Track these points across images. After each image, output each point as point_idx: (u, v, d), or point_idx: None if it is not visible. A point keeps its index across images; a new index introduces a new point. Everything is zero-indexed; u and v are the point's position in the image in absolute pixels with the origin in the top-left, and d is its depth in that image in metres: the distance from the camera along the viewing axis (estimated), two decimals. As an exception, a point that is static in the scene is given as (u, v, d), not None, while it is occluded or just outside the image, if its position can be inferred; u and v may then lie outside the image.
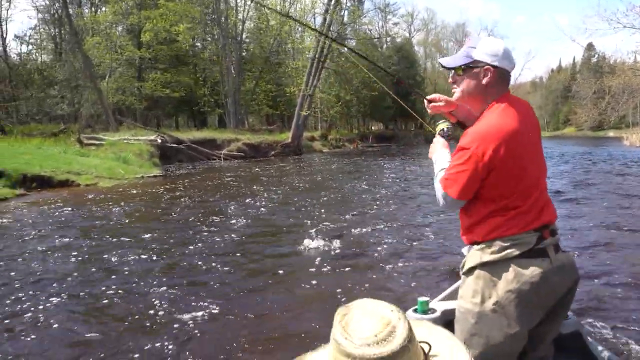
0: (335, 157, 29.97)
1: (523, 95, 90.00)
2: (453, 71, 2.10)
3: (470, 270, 2.02)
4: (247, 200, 11.90)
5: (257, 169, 21.65)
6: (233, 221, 9.15)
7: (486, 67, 2.01)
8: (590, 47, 72.97)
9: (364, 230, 8.08)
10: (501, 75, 2.02)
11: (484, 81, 2.02)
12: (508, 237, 1.95)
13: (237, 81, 38.13)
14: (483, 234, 2.01)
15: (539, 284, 1.92)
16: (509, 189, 1.97)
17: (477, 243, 2.03)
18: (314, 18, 44.44)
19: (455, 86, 2.13)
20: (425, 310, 2.45)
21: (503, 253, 1.95)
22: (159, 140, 25.27)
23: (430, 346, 1.22)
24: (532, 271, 1.93)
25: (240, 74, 39.28)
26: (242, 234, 8.09)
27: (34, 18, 69.72)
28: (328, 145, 39.77)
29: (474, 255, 2.02)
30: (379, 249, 6.86)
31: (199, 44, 44.32)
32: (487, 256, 1.97)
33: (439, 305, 2.52)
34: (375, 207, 10.67)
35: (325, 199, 11.98)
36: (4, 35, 42.08)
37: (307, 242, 7.13)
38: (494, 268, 1.96)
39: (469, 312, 1.99)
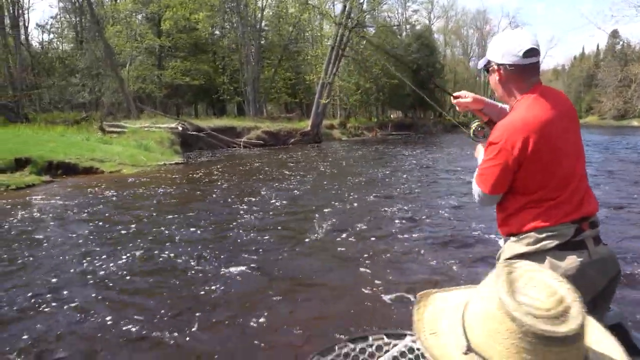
0: (356, 145, 29.86)
1: (544, 83, 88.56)
2: None
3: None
4: (274, 185, 12.05)
5: (278, 157, 21.67)
6: (261, 205, 9.22)
7: (493, 66, 2.06)
8: (615, 34, 71.31)
9: (394, 215, 8.09)
10: (512, 70, 2.00)
11: (497, 79, 2.06)
12: (544, 229, 1.94)
13: (256, 69, 38.11)
14: (518, 226, 2.00)
15: (575, 277, 1.87)
16: (543, 181, 1.96)
17: (513, 235, 2.02)
18: (334, 5, 44.19)
19: None
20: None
21: (539, 245, 1.94)
22: (180, 128, 25.41)
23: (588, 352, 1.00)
24: (568, 264, 1.91)
25: (259, 62, 39.25)
26: (273, 214, 8.17)
27: (55, 7, 70.57)
28: (347, 133, 39.61)
29: (509, 246, 2.01)
30: (412, 235, 6.87)
31: (217, 32, 44.32)
32: (523, 248, 1.96)
33: None
34: (402, 192, 10.69)
35: (350, 184, 12.00)
36: (26, 24, 42.54)
37: (335, 225, 7.16)
38: (529, 259, 1.92)
39: None
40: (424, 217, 8.19)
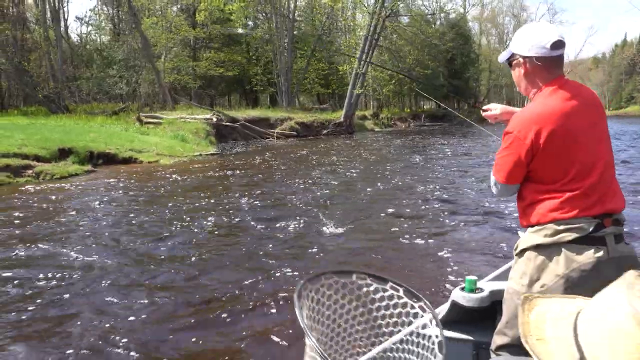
0: (390, 136, 29.72)
1: (584, 72, 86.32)
2: None
3: (522, 252, 2.02)
4: (314, 173, 12.11)
5: (314, 147, 21.73)
6: (305, 193, 9.32)
7: (518, 58, 2.05)
8: (660, 20, 68.49)
9: (434, 202, 8.07)
10: (539, 63, 2.00)
11: (522, 72, 2.06)
12: (562, 221, 1.92)
13: (289, 60, 38.17)
14: (537, 217, 1.99)
15: (590, 273, 1.87)
16: (559, 172, 1.95)
17: (532, 226, 2.01)
18: (367, -6, 43.78)
19: None
20: (473, 289, 2.44)
21: (556, 237, 1.92)
22: (215, 119, 25.72)
23: None
24: (584, 259, 1.88)
25: (292, 53, 39.29)
26: (319, 199, 8.23)
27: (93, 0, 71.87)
28: (379, 124, 39.43)
29: (527, 237, 2.01)
30: (443, 224, 6.85)
31: (250, 23, 44.53)
32: (540, 239, 1.95)
33: (487, 285, 2.50)
34: (439, 180, 10.62)
35: (399, 176, 11.97)
36: (66, 17, 43.61)
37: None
38: (545, 251, 1.95)
39: (516, 293, 1.98)
40: (458, 210, 8.14)
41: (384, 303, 1.81)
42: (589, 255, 1.88)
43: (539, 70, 2.02)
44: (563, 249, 1.91)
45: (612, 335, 0.87)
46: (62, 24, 41.57)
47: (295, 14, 41.48)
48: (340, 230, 6.85)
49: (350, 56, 36.69)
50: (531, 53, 2.00)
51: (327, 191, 10.11)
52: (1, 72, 31.90)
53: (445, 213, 7.87)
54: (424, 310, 1.77)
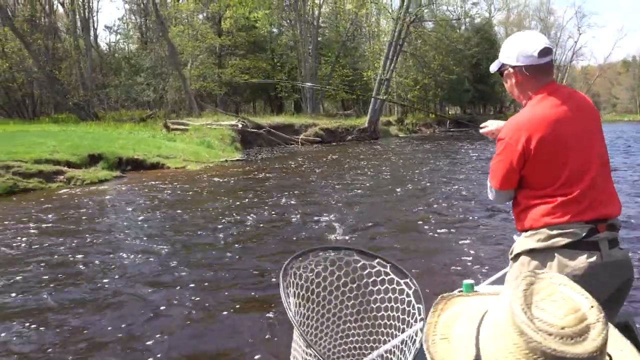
0: (415, 141, 29.55)
1: (613, 75, 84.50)
2: None
3: (517, 257, 2.04)
4: (341, 177, 12.10)
5: (338, 152, 21.74)
6: (334, 195, 9.33)
7: (508, 69, 2.09)
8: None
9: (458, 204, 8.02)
10: (528, 71, 2.03)
11: (513, 81, 2.09)
12: (555, 226, 1.93)
13: (314, 66, 38.32)
14: (531, 222, 2.02)
15: (583, 278, 1.85)
16: (550, 177, 1.97)
17: (526, 230, 2.04)
18: (391, 1, 43.78)
19: None
20: (470, 293, 2.48)
21: (549, 242, 1.94)
22: (240, 125, 25.92)
23: (610, 358, 0.95)
24: (577, 264, 1.90)
25: (317, 59, 39.43)
26: (347, 205, 8.23)
27: (122, 8, 73.44)
28: (404, 130, 39.24)
29: (521, 241, 2.03)
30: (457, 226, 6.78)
31: (275, 30, 44.86)
32: (533, 243, 1.98)
33: (484, 288, 2.53)
34: (463, 182, 10.54)
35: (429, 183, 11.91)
36: (95, 26, 44.65)
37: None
38: (539, 256, 1.97)
39: None
40: (472, 215, 8.04)
41: (371, 279, 1.84)
42: (582, 260, 1.90)
43: (529, 79, 2.05)
44: (556, 254, 1.93)
45: (497, 334, 0.91)
46: (92, 33, 42.53)
47: (320, 21, 41.67)
48: (366, 228, 6.85)
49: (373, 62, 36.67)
50: (519, 63, 2.04)
51: (356, 193, 10.11)
52: (34, 81, 32.71)
53: (468, 214, 7.87)
54: (409, 287, 1.82)
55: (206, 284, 5.00)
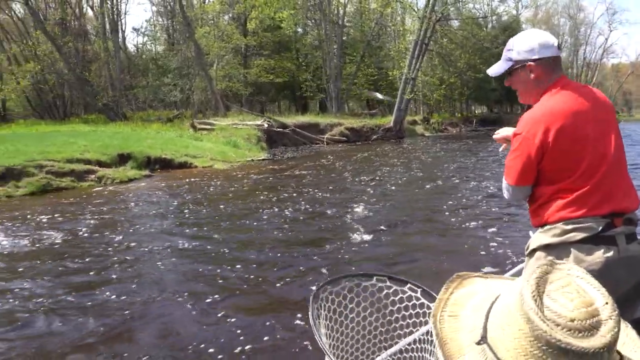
0: (441, 141, 29.28)
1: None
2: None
3: (532, 252, 2.03)
4: (375, 175, 12.09)
5: (364, 152, 21.64)
6: (362, 196, 9.28)
7: (528, 64, 2.05)
8: None
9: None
10: (546, 64, 2.03)
11: (532, 77, 2.06)
12: (570, 220, 1.91)
13: (339, 65, 38.28)
14: (546, 217, 2.00)
15: (599, 273, 1.81)
16: (566, 171, 1.95)
17: (542, 226, 2.02)
18: (417, -1, 43.48)
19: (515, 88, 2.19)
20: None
21: (564, 237, 1.92)
22: (266, 125, 26.05)
23: (621, 356, 0.94)
24: (593, 259, 1.87)
25: (342, 59, 39.39)
26: (375, 202, 8.20)
27: (149, 11, 74.54)
28: (430, 129, 38.89)
29: (537, 237, 2.01)
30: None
31: (300, 30, 44.97)
32: (549, 239, 1.96)
33: None
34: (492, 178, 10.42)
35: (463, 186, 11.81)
36: (123, 29, 45.39)
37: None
38: (554, 251, 1.94)
39: None
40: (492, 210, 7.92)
41: (403, 304, 1.87)
42: (598, 255, 1.87)
43: (549, 72, 2.05)
44: (572, 249, 1.91)
45: (505, 318, 0.92)
46: (120, 35, 43.26)
47: (345, 20, 41.62)
48: (397, 224, 6.81)
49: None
50: (541, 55, 2.03)
51: (387, 189, 10.06)
52: (64, 82, 33.41)
53: (494, 210, 7.85)
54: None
55: (237, 279, 5.02)
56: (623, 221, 1.92)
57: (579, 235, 1.89)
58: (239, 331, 3.84)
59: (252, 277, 5.12)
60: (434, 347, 1.07)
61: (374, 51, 43.30)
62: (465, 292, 1.12)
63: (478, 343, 0.95)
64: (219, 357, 3.46)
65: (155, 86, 39.75)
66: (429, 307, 1.83)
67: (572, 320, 0.86)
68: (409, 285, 1.88)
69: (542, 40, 2.03)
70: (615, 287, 1.86)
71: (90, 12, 41.34)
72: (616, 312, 0.91)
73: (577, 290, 0.91)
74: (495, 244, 6.06)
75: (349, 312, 1.84)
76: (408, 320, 1.89)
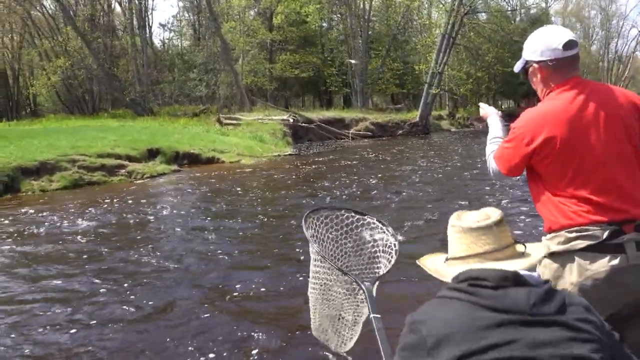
0: (468, 136, 28.92)
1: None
2: None
3: (540, 259, 1.99)
4: (397, 170, 11.96)
5: (390, 147, 21.45)
6: (394, 190, 9.22)
7: (532, 65, 2.05)
8: None
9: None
10: (550, 66, 1.98)
11: (539, 77, 2.05)
12: (574, 228, 1.87)
13: (364, 60, 38.07)
14: (550, 224, 1.98)
15: (605, 282, 1.82)
16: (564, 176, 1.92)
17: (547, 233, 2.00)
18: (444, -8, 42.86)
19: None
20: None
21: (568, 245, 1.89)
22: (291, 120, 26.05)
23: (525, 246, 1.53)
24: (597, 267, 1.83)
25: (367, 53, 39.16)
26: (408, 197, 8.12)
27: (176, 6, 75.20)
28: (455, 124, 38.47)
29: (544, 244, 1.98)
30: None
31: (325, 24, 44.84)
32: (554, 246, 1.93)
33: None
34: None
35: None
36: (150, 24, 45.81)
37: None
38: (559, 259, 1.92)
39: None
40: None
41: (364, 229, 2.80)
42: (603, 264, 1.82)
43: (553, 73, 2.00)
44: (576, 257, 1.88)
45: (449, 237, 1.57)
46: (147, 30, 43.70)
47: (370, 14, 41.33)
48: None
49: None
50: (544, 57, 1.99)
51: (422, 180, 9.95)
52: (93, 78, 33.95)
53: (519, 206, 7.65)
54: (391, 235, 2.71)
55: (270, 273, 5.00)
56: (635, 227, 1.85)
57: (583, 244, 1.85)
58: (272, 332, 3.81)
59: (286, 274, 5.10)
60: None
61: (400, 45, 42.92)
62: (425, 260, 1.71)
63: (445, 260, 1.58)
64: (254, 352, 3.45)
65: (181, 81, 40.12)
66: (383, 231, 2.73)
67: (477, 220, 1.50)
68: (367, 216, 2.79)
69: (547, 42, 1.98)
70: (624, 295, 1.89)
71: (118, 8, 41.93)
72: (501, 214, 1.52)
73: (480, 212, 1.54)
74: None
75: (326, 232, 2.73)
76: (369, 236, 2.84)
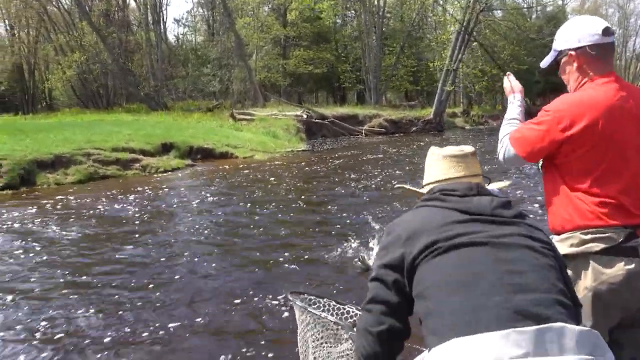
0: (482, 133, 28.65)
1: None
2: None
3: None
4: (422, 166, 11.88)
5: (404, 143, 21.31)
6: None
7: (569, 54, 1.95)
8: None
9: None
10: (590, 52, 1.90)
11: (575, 66, 1.95)
12: (590, 230, 1.79)
13: (378, 57, 37.88)
14: (563, 223, 1.88)
15: (622, 286, 1.75)
16: (586, 171, 1.82)
17: (558, 233, 1.90)
18: (459, -11, 42.49)
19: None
20: None
21: (583, 247, 1.80)
22: (305, 116, 25.98)
23: (490, 180, 1.83)
24: (614, 271, 1.76)
25: (381, 50, 38.96)
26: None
27: (190, 2, 75.48)
28: (470, 121, 38.16)
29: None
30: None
31: (339, 20, 44.69)
32: (566, 248, 1.83)
33: None
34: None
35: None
36: (164, 20, 45.96)
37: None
38: (572, 262, 1.83)
39: None
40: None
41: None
42: (619, 268, 1.76)
43: (592, 61, 1.90)
44: (591, 261, 1.79)
45: (428, 163, 1.82)
46: (162, 26, 43.82)
47: (385, 10, 41.11)
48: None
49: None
50: (582, 43, 1.90)
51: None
52: (108, 72, 34.12)
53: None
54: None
55: (283, 272, 4.95)
56: None
57: (598, 246, 1.78)
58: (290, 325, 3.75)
59: (299, 269, 5.04)
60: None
61: (414, 42, 42.66)
62: None
63: (422, 186, 1.81)
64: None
65: (195, 76, 40.21)
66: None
67: (454, 151, 1.74)
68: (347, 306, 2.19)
69: (585, 28, 1.90)
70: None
71: (133, 4, 42.00)
72: (474, 149, 1.77)
73: (457, 146, 1.77)
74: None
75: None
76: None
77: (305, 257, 5.42)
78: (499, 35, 35.46)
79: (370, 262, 3.90)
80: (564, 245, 1.85)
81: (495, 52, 35.97)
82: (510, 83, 2.35)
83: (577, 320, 1.35)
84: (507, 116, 2.21)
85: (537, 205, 7.71)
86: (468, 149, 1.73)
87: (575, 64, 1.94)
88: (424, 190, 1.73)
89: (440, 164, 1.71)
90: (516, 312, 1.23)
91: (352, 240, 5.69)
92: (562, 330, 1.18)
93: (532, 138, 1.93)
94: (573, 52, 1.93)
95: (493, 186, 1.80)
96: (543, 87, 46.39)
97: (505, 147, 2.04)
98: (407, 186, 1.95)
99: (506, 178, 10.02)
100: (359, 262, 3.91)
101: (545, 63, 2.09)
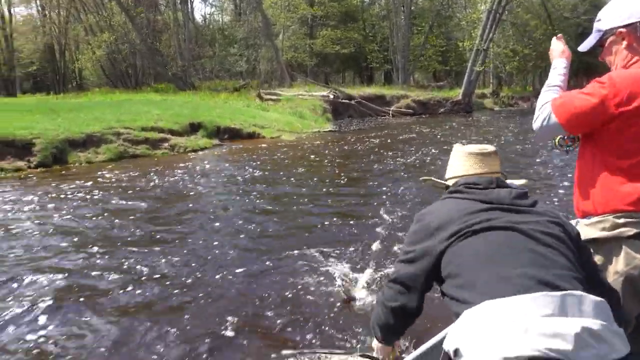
0: (513, 115, 28.08)
1: None
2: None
3: None
4: (442, 147, 11.72)
5: (432, 125, 21.01)
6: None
7: (618, 31, 1.83)
8: None
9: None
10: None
11: (624, 45, 1.83)
12: (624, 213, 1.70)
13: (406, 36, 37.29)
14: (595, 206, 1.80)
15: None
16: (631, 151, 1.71)
17: (587, 216, 1.83)
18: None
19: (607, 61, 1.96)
20: None
21: (615, 231, 1.72)
22: (331, 96, 25.82)
23: (506, 177, 1.91)
24: None
25: (409, 29, 38.32)
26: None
27: (216, -19, 75.21)
28: (499, 103, 37.44)
29: (583, 229, 1.81)
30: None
31: (367, 0, 44.06)
32: (597, 232, 1.77)
33: None
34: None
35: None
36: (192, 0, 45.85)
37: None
38: (603, 247, 1.77)
39: None
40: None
41: None
42: None
43: None
44: (623, 245, 1.72)
45: (453, 158, 2.01)
46: (189, 6, 43.83)
47: (414, -11, 40.35)
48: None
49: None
50: (633, 19, 1.78)
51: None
52: (137, 52, 34.39)
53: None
54: None
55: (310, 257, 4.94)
56: None
57: (632, 231, 1.70)
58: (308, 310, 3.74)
59: (327, 252, 5.02)
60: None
61: (444, 21, 41.87)
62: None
63: (445, 180, 1.99)
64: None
65: (222, 56, 40.24)
66: None
67: (477, 149, 1.90)
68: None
69: (634, 2, 1.79)
70: None
71: (160, -17, 42.10)
72: (496, 149, 1.93)
73: (479, 145, 1.95)
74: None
75: None
76: None
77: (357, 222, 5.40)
78: (531, 14, 34.49)
79: (353, 293, 3.89)
80: (594, 229, 1.79)
81: (526, 32, 35.04)
82: (560, 46, 2.18)
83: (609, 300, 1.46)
84: (549, 82, 2.04)
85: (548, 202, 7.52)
86: (490, 148, 1.90)
87: (625, 42, 1.83)
88: (449, 182, 1.92)
89: (464, 160, 1.89)
90: (539, 283, 1.38)
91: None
92: (582, 298, 1.33)
93: (581, 108, 1.78)
94: (623, 29, 1.82)
95: (510, 181, 1.93)
96: (577, 66, 45.10)
97: (546, 114, 1.88)
98: (433, 178, 2.09)
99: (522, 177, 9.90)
100: (342, 292, 3.85)
101: (586, 46, 1.99)
